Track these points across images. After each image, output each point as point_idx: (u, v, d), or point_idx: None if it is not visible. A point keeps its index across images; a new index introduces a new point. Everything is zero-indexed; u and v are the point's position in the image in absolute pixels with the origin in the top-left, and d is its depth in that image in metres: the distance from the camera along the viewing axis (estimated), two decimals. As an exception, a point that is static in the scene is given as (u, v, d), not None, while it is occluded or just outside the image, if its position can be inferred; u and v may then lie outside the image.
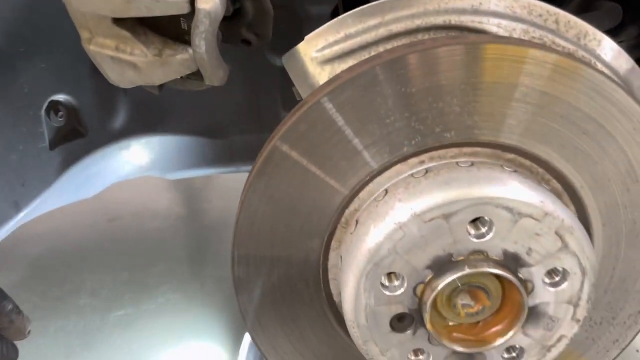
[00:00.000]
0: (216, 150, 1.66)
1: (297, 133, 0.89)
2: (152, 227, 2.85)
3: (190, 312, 2.25)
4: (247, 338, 1.81)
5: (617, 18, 1.29)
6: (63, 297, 2.33)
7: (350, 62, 0.94)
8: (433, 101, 0.85)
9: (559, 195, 0.91)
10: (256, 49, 1.47)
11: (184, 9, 0.89)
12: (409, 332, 0.90)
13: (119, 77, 0.98)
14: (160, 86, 1.06)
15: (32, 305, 2.26)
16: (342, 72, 0.87)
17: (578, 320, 0.89)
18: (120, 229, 2.83)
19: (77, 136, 1.38)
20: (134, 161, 1.58)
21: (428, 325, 0.86)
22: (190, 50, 0.94)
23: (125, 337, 2.15)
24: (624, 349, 1.06)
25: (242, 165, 1.70)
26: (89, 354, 2.08)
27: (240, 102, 1.62)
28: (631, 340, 1.06)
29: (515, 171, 0.89)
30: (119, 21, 0.93)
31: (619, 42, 0.97)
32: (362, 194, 0.93)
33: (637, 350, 2.00)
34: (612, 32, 1.25)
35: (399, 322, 0.89)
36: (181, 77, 1.05)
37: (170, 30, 0.96)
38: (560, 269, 0.86)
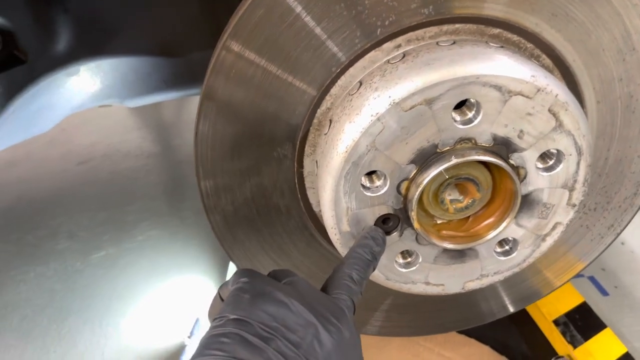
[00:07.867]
0: (175, 70, 1.51)
1: (249, 27, 0.77)
2: (124, 167, 2.75)
3: (173, 247, 2.20)
4: (232, 266, 1.77)
5: None
6: (39, 243, 2.26)
7: (308, -64, 0.81)
8: (406, -29, 0.74)
9: (550, 72, 0.83)
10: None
11: None
12: (395, 234, 0.83)
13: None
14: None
15: (9, 254, 2.20)
16: (299, -55, 0.74)
17: (574, 205, 0.83)
18: (91, 172, 2.73)
19: (17, 63, 1.24)
20: (86, 89, 1.43)
21: (415, 225, 0.80)
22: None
23: (108, 277, 2.10)
24: (619, 234, 1.02)
25: (206, 84, 1.57)
26: (73, 296, 2.04)
27: (196, 15, 1.46)
28: (626, 225, 1.02)
29: (501, 47, 0.79)
30: None
31: None
32: (333, 90, 0.83)
33: (623, 244, 2.01)
34: None
35: (384, 225, 0.82)
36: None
37: None
38: (555, 150, 0.79)
